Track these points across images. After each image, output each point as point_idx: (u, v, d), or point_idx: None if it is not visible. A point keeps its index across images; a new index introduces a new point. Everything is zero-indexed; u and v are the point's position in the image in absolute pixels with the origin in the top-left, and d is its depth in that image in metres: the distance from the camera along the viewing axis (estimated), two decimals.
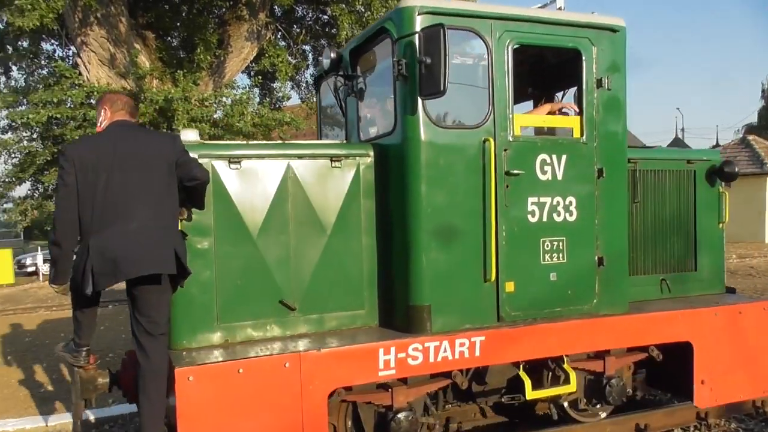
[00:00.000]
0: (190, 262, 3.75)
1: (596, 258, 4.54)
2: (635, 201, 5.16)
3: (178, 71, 11.10)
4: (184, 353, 3.79)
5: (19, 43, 12.18)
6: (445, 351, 4.07)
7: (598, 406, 4.97)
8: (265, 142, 5.22)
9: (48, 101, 10.73)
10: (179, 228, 3.68)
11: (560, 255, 4.44)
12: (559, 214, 4.42)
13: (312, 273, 4.14)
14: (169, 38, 12.79)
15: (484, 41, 4.19)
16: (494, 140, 4.18)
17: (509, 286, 4.28)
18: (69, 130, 10.53)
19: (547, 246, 4.39)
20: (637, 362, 5.11)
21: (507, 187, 4.24)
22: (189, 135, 4.00)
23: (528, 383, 4.41)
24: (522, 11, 4.31)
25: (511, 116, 4.27)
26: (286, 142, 5.18)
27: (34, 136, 12.05)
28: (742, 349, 5.01)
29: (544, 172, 4.37)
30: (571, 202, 4.46)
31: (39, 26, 9.49)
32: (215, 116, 11.61)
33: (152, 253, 3.39)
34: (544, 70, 5.39)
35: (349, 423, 4.25)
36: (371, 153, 4.33)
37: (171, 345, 3.86)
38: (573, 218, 4.47)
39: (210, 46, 11.37)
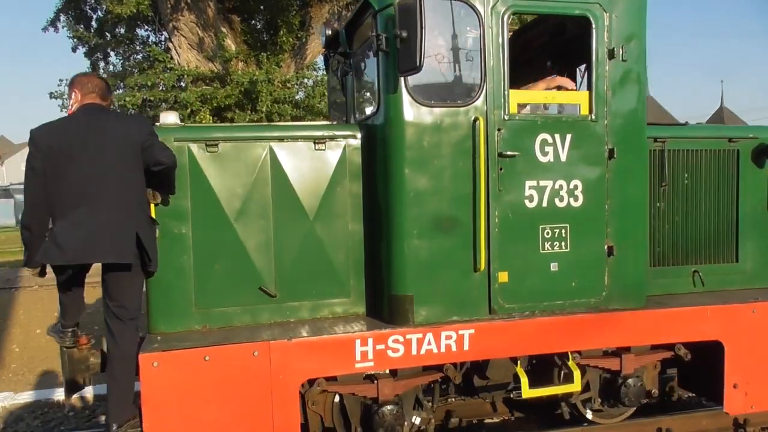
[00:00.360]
0: (167, 246, 3.72)
1: (606, 247, 4.13)
2: (663, 184, 4.67)
3: (262, 54, 11.34)
4: (158, 338, 3.77)
5: (117, 29, 12.76)
6: (429, 344, 3.84)
7: (617, 406, 4.59)
8: (244, 124, 5.07)
9: (143, 84, 11.29)
10: (151, 214, 3.64)
11: (563, 243, 4.07)
12: (561, 199, 4.04)
13: (293, 260, 4.01)
14: (254, 21, 12.89)
15: (474, 10, 3.86)
16: (485, 119, 3.87)
17: (502, 277, 3.97)
18: (161, 112, 10.93)
19: (548, 234, 4.04)
20: (665, 360, 4.67)
21: (501, 170, 3.92)
22: (169, 118, 3.96)
23: (525, 380, 4.11)
24: None
25: (506, 93, 3.93)
26: (268, 124, 5.03)
27: None
28: None
29: (545, 154, 4.00)
30: (576, 186, 4.07)
31: (135, 13, 10.14)
32: (297, 97, 11.83)
33: (110, 240, 3.37)
34: (552, 42, 4.96)
35: (335, 415, 4.13)
36: (358, 135, 4.12)
37: (149, 329, 3.87)
38: (578, 203, 4.08)
39: (292, 28, 11.53)
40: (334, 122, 5.31)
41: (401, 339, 3.80)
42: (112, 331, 3.57)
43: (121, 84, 12.29)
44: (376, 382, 3.99)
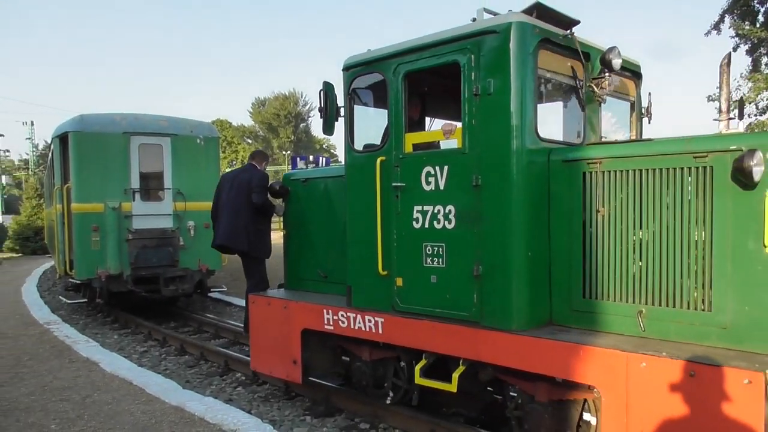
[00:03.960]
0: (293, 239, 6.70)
1: (474, 268, 4.49)
2: (598, 210, 4.25)
3: None
4: (274, 291, 6.73)
5: None
6: (359, 322, 5.38)
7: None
8: (325, 167, 6.82)
9: None
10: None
11: (440, 260, 4.73)
12: (438, 222, 4.72)
13: (331, 258, 6.17)
14: None
15: (384, 76, 5.09)
16: (387, 158, 5.05)
17: (399, 281, 5.03)
18: None
19: (429, 250, 4.80)
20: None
21: (397, 197, 5.00)
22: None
23: (417, 370, 4.97)
24: (411, 42, 4.87)
25: (403, 136, 4.97)
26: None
27: None
28: (694, 428, 3.51)
29: (428, 183, 4.80)
30: (450, 211, 4.65)
31: None
32: None
33: (230, 235, 6.66)
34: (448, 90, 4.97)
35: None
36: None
37: (286, 286, 6.83)
38: (451, 226, 4.64)
39: None
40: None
41: (344, 315, 5.49)
42: (248, 283, 6.87)
43: None
44: (360, 346, 5.73)
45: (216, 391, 7.10)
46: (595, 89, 4.87)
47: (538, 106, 4.64)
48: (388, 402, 5.61)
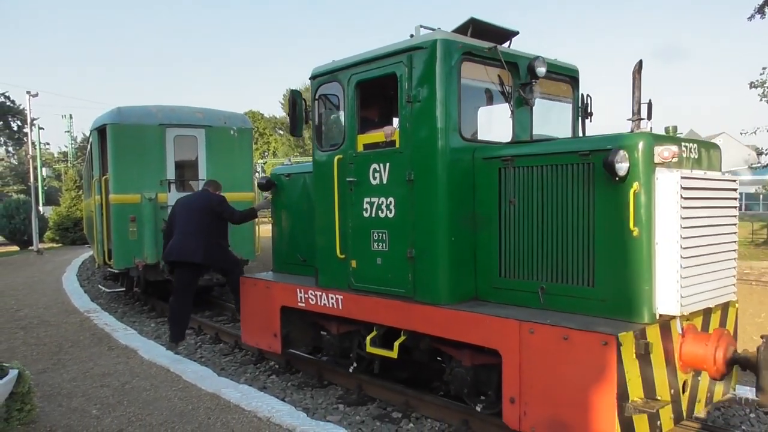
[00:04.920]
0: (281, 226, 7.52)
1: (408, 251, 5.23)
2: (510, 201, 4.93)
3: None
4: (263, 274, 7.58)
5: None
6: (324, 299, 6.18)
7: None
8: (295, 164, 7.44)
9: None
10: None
11: (384, 245, 5.48)
12: (382, 212, 5.47)
13: (307, 242, 6.98)
14: None
15: (341, 85, 5.85)
16: (343, 157, 5.82)
17: (353, 264, 5.80)
18: None
19: (375, 236, 5.56)
20: None
21: (351, 190, 5.77)
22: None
23: (368, 341, 5.75)
24: (361, 55, 5.61)
25: (355, 137, 5.72)
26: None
27: None
28: (566, 382, 4.19)
29: (375, 178, 5.54)
30: (391, 202, 5.39)
31: None
32: None
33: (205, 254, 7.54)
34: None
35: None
36: None
37: (273, 269, 7.68)
38: (392, 215, 5.38)
39: None
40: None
41: (313, 293, 6.30)
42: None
43: None
44: (330, 321, 6.53)
45: (250, 378, 7.28)
46: (523, 94, 5.53)
47: (475, 109, 5.33)
48: (350, 371, 6.40)
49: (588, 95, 6.29)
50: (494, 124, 5.82)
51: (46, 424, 5.11)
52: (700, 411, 4.96)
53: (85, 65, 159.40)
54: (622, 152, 4.12)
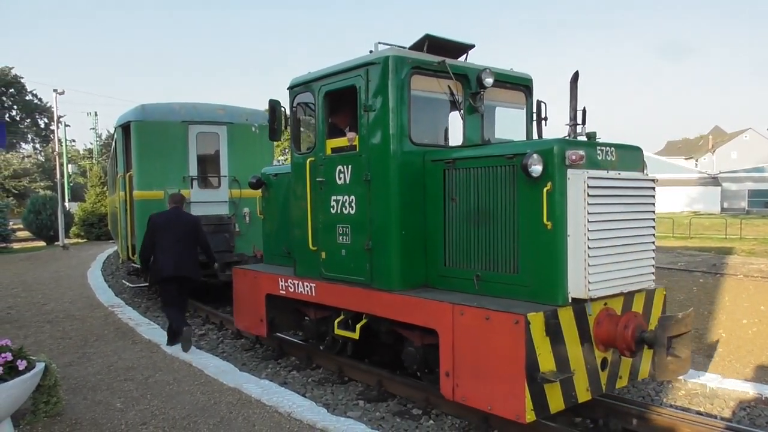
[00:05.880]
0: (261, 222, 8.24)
1: (366, 243, 5.89)
2: (452, 199, 5.56)
3: None
4: (253, 265, 8.31)
5: None
6: (300, 287, 6.88)
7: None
8: (283, 164, 8.00)
9: None
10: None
11: (347, 238, 6.15)
12: (346, 209, 6.14)
13: (290, 235, 7.69)
14: None
15: (313, 95, 6.54)
16: (315, 159, 6.50)
17: (323, 255, 6.48)
18: None
19: (340, 230, 6.23)
20: None
21: (321, 189, 6.45)
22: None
23: (335, 324, 6.42)
24: (328, 68, 6.28)
25: (325, 142, 6.40)
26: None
27: None
28: (488, 356, 4.82)
29: (340, 178, 6.22)
30: (353, 200, 6.06)
31: None
32: None
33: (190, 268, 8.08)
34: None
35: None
36: None
37: (264, 260, 8.41)
38: (353, 212, 6.05)
39: None
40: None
41: (292, 282, 7.01)
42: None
43: None
44: (308, 307, 7.23)
45: (271, 374, 7.38)
46: (473, 102, 6.14)
47: (428, 116, 5.97)
48: (321, 348, 7.11)
49: (542, 102, 6.86)
50: (449, 129, 6.44)
51: (71, 417, 5.22)
52: (622, 386, 5.53)
53: (111, 63, 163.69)
54: (535, 156, 4.71)
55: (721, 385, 6.31)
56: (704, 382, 6.41)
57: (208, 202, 11.56)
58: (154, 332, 8.62)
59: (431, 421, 5.75)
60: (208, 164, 11.84)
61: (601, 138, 5.28)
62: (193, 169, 11.50)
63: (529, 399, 4.53)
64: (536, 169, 4.72)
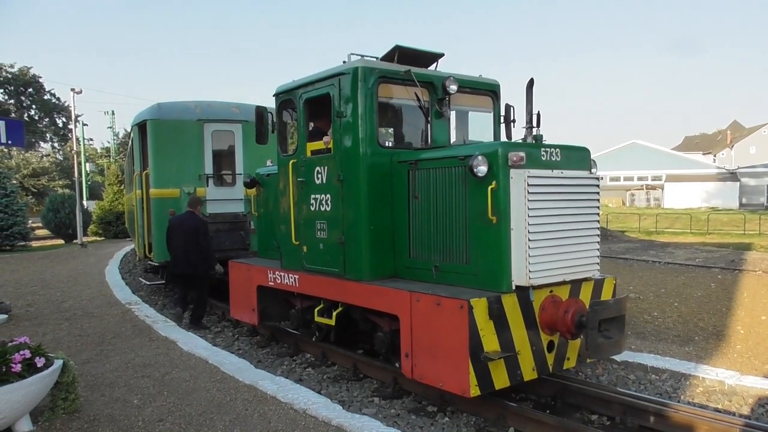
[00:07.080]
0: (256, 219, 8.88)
1: (339, 238, 6.46)
2: (415, 197, 6.10)
3: None
4: (248, 259, 8.93)
5: None
6: (286, 278, 7.48)
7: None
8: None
9: None
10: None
11: (324, 233, 6.73)
12: (323, 206, 6.71)
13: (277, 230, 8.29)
14: None
15: (295, 101, 7.12)
16: (297, 161, 7.09)
17: (305, 249, 7.07)
18: None
19: (319, 226, 6.81)
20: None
21: (302, 188, 7.03)
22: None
23: (315, 312, 7.00)
24: (307, 77, 6.85)
25: (305, 145, 6.98)
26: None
27: None
28: (440, 338, 5.35)
29: (318, 178, 6.79)
30: (328, 198, 6.63)
31: None
32: None
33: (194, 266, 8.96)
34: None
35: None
36: None
37: (258, 254, 9.03)
38: (329, 209, 6.62)
39: None
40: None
41: (279, 274, 7.61)
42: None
43: None
44: (296, 297, 7.83)
45: (286, 371, 7.49)
46: (439, 108, 6.67)
47: (397, 121, 6.50)
48: (313, 339, 7.69)
49: (511, 105, 7.35)
50: (417, 132, 6.98)
51: (89, 413, 5.29)
52: (570, 367, 6.02)
53: (129, 61, 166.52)
54: (480, 157, 5.24)
55: (739, 382, 6.30)
56: (722, 379, 6.39)
57: (223, 200, 11.78)
58: (170, 329, 8.76)
59: (447, 419, 5.80)
60: (223, 162, 12.02)
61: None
62: (208, 167, 11.71)
63: (473, 376, 5.05)
64: (482, 169, 5.25)
